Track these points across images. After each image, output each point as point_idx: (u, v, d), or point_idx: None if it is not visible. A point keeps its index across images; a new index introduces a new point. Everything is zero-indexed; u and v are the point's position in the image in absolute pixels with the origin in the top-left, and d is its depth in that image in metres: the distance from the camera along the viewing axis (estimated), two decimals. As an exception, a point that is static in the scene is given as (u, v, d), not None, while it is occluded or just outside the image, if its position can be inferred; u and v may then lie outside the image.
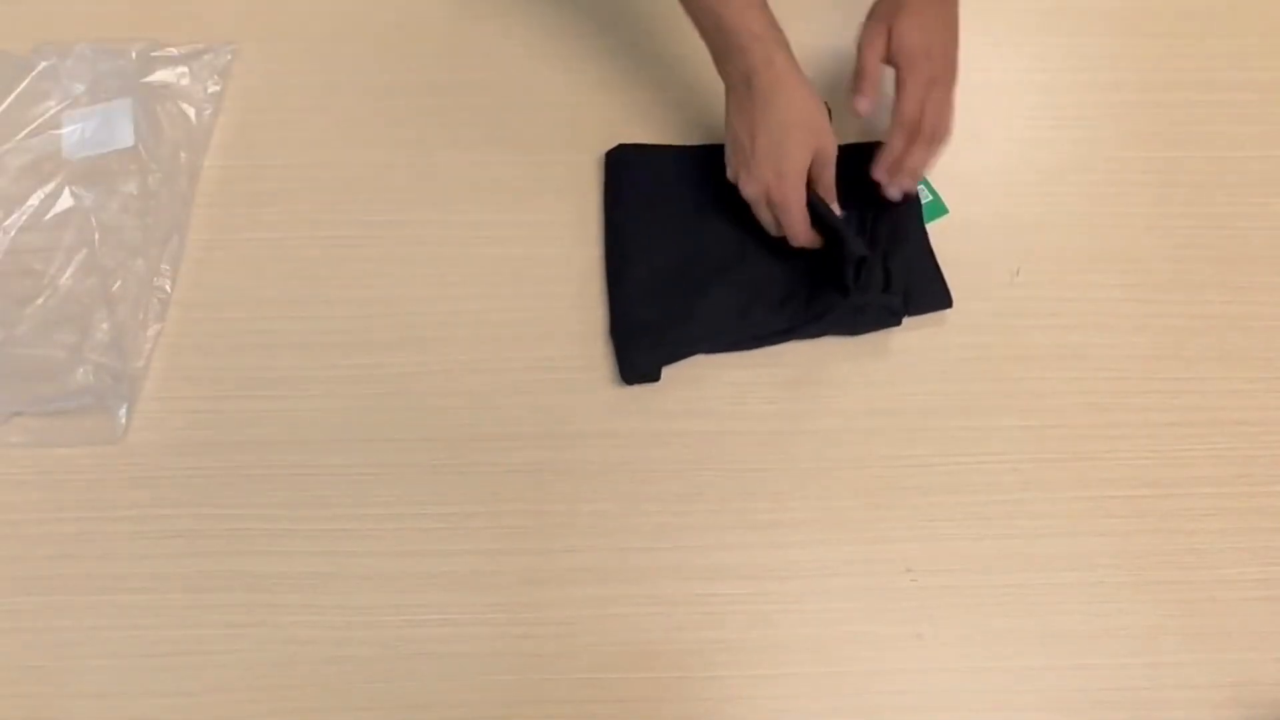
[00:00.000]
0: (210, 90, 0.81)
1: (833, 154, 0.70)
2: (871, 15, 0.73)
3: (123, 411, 0.69)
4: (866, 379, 0.71)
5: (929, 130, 0.71)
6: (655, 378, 0.71)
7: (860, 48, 0.72)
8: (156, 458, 0.68)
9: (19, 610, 0.64)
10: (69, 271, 0.73)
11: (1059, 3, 0.86)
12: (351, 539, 0.66)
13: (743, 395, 0.71)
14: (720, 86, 0.72)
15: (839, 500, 0.67)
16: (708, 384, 0.71)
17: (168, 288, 0.74)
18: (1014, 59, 0.82)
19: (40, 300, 0.72)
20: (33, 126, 0.78)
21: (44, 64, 0.80)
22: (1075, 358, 0.72)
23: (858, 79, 0.72)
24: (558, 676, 0.63)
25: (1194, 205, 0.78)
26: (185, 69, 0.81)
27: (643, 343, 0.71)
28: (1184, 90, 0.82)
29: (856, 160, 0.74)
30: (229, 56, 0.83)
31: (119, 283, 0.72)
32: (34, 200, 0.75)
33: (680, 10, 0.71)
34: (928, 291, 0.73)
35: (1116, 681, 0.63)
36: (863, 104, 0.71)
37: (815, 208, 0.70)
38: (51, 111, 0.78)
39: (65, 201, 0.75)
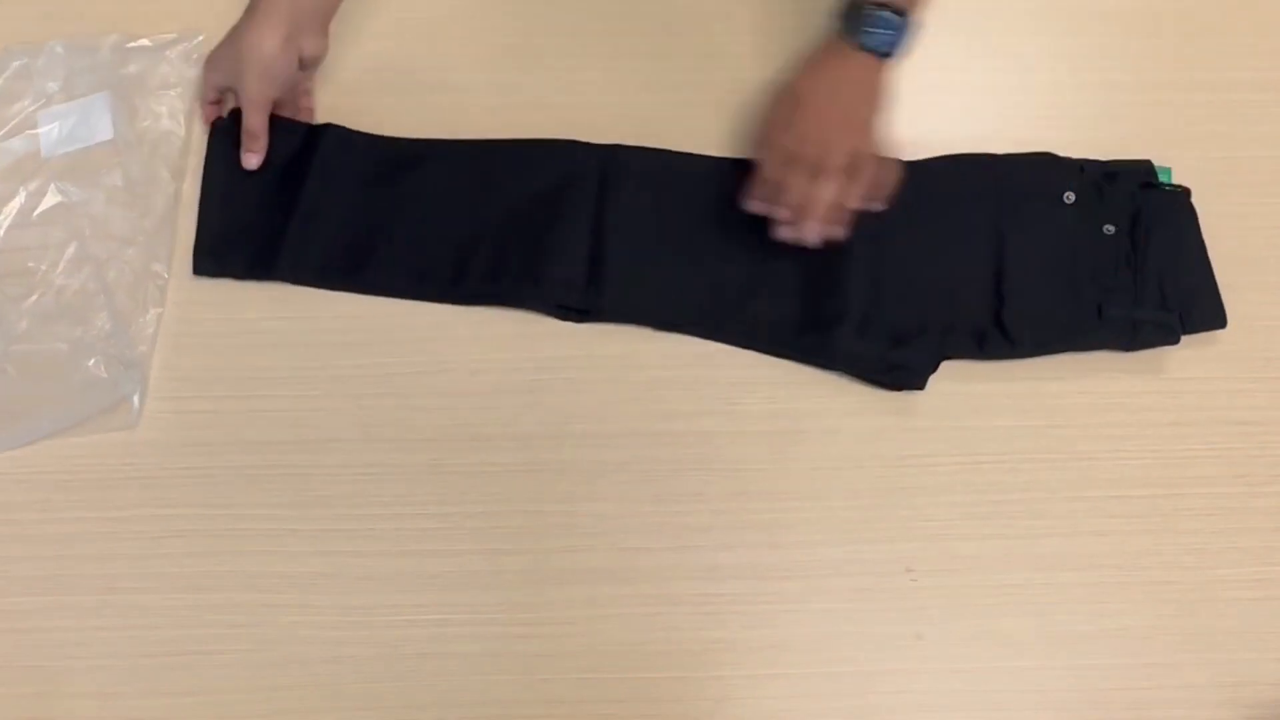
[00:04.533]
0: (186, 78, 0.80)
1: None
2: None
3: (136, 398, 0.69)
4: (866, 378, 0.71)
5: None
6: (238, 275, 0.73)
7: None
8: (156, 458, 0.68)
9: (19, 610, 0.64)
10: (61, 266, 0.73)
11: (1056, 3, 0.86)
12: (351, 539, 0.66)
13: (743, 395, 0.71)
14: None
15: (839, 500, 0.67)
16: (708, 384, 0.71)
17: (164, 273, 0.73)
18: (1012, 60, 0.82)
19: (36, 296, 0.72)
20: (9, 127, 0.78)
21: (16, 64, 0.79)
22: (1074, 357, 0.72)
23: None
24: (558, 676, 0.63)
25: (1194, 205, 0.78)
26: (159, 59, 0.80)
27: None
28: (1184, 90, 0.82)
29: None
30: (201, 45, 0.81)
31: (114, 272, 0.72)
32: (19, 200, 0.75)
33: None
34: (1205, 309, 0.71)
35: (1116, 681, 0.63)
36: None
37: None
38: (27, 111, 0.78)
39: (51, 198, 0.75)
